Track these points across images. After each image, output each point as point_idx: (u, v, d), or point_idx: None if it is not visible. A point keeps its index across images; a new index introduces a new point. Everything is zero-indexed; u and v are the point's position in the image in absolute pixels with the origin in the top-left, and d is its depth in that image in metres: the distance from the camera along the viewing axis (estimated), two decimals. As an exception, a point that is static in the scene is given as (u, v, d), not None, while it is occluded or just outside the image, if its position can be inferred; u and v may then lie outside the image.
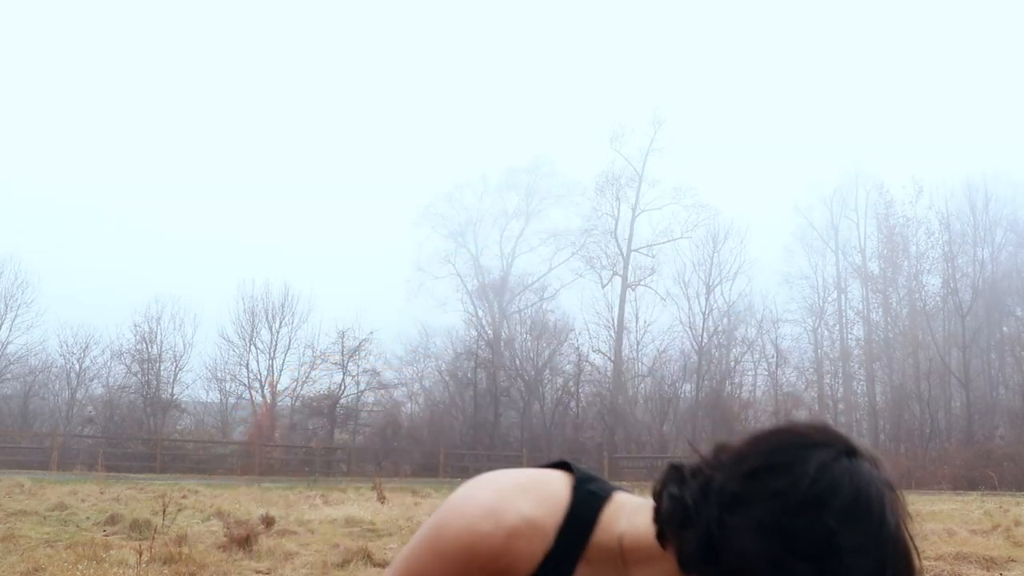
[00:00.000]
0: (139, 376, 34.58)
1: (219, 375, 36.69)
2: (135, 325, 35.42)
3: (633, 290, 44.26)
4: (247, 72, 73.32)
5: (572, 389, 39.13)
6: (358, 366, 37.25)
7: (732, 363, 40.65)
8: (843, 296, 45.07)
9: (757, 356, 41.12)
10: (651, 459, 33.72)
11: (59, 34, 65.47)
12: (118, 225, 62.75)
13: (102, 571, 5.90)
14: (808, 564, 0.85)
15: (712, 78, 69.86)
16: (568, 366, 40.25)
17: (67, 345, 34.84)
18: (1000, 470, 28.20)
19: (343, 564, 6.76)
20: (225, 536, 7.58)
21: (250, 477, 25.48)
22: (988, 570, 6.83)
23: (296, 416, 36.84)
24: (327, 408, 36.12)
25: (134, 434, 32.51)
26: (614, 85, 72.97)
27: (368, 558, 6.98)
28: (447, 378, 40.34)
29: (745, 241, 43.07)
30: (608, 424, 37.41)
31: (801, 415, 37.05)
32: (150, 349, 35.04)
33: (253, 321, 37.31)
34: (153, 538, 7.34)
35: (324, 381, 37.44)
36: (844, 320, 44.56)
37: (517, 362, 40.46)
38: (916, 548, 0.92)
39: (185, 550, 6.73)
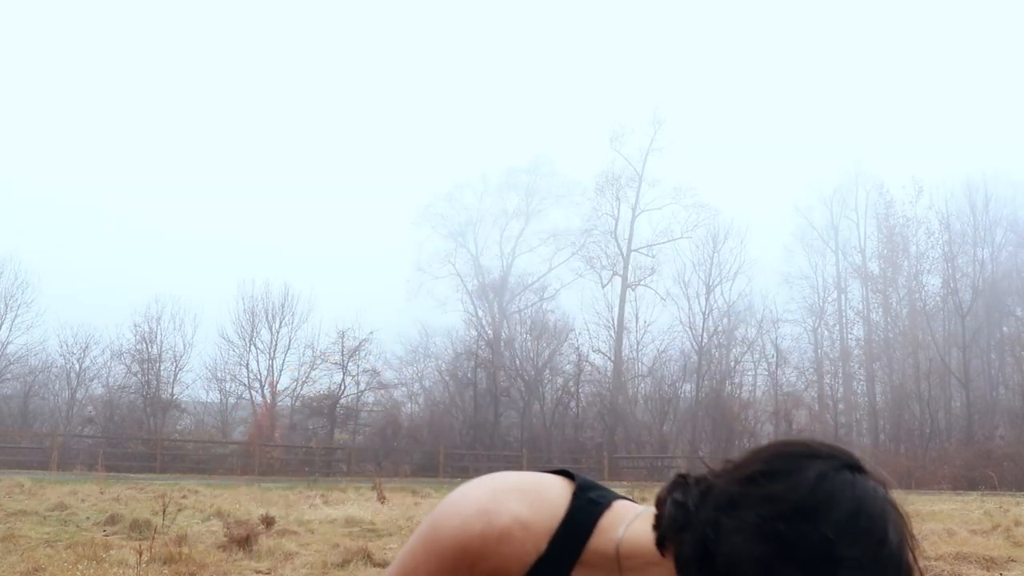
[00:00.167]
0: (139, 376, 34.58)
1: (219, 375, 36.74)
2: (135, 325, 35.46)
3: (633, 290, 44.29)
4: (247, 72, 73.36)
5: (572, 389, 39.13)
6: (358, 366, 37.28)
7: (732, 363, 40.65)
8: (843, 296, 45.11)
9: (757, 356, 41.15)
10: (651, 459, 33.74)
11: (59, 34, 65.49)
12: (118, 225, 62.83)
13: (102, 571, 5.90)
14: (800, 572, 0.84)
15: (712, 78, 69.91)
16: (568, 366, 40.28)
17: (67, 345, 34.88)
18: (1000, 470, 28.20)
19: (343, 564, 6.76)
20: (225, 536, 7.58)
21: (250, 477, 25.48)
22: (988, 570, 6.83)
23: (296, 416, 36.84)
24: (327, 408, 36.12)
25: (134, 434, 32.51)
26: (614, 85, 73.02)
27: (368, 558, 6.98)
28: (447, 378, 40.34)
29: (745, 241, 43.13)
30: (608, 424, 37.42)
31: (801, 415, 37.13)
32: (150, 349, 35.06)
33: (253, 321, 37.33)
34: (153, 538, 7.34)
35: (324, 381, 37.48)
36: (844, 320, 44.59)
37: (517, 362, 40.46)
38: (919, 572, 0.90)
39: (185, 550, 6.73)
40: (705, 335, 40.67)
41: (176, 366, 35.62)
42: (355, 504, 13.40)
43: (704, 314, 41.41)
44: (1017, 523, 10.83)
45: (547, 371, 39.89)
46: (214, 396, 36.90)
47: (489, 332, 43.30)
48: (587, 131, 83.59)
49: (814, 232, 45.69)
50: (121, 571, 5.99)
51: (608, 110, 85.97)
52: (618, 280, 44.71)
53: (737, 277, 42.50)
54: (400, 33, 73.34)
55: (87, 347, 35.06)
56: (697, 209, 44.65)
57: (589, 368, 40.48)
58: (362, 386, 37.55)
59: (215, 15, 70.01)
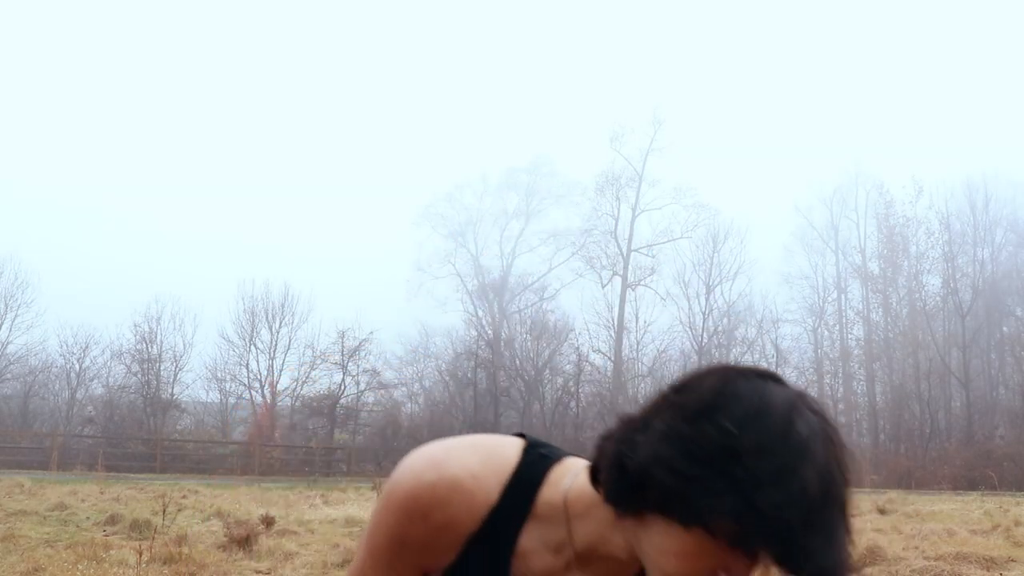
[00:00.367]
0: (139, 376, 34.59)
1: (219, 375, 36.76)
2: (135, 325, 35.48)
3: (633, 290, 44.29)
4: (247, 72, 73.37)
5: (572, 389, 39.14)
6: (358, 366, 37.29)
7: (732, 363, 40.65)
8: (843, 296, 45.11)
9: (757, 356, 41.12)
10: (651, 459, 33.76)
11: (59, 34, 65.50)
12: (118, 225, 62.81)
13: (102, 571, 5.90)
14: (706, 467, 0.85)
15: (712, 78, 69.90)
16: (568, 366, 40.28)
17: (67, 345, 34.90)
18: (1000, 470, 28.20)
19: (343, 564, 6.76)
20: (225, 536, 7.58)
21: (250, 477, 25.49)
22: (988, 570, 6.83)
23: (296, 416, 36.85)
24: (327, 408, 36.13)
25: (134, 434, 32.51)
26: (614, 85, 73.01)
27: (368, 558, 6.96)
28: (447, 378, 40.35)
29: (745, 241, 43.14)
30: (608, 424, 37.29)
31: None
32: (150, 349, 35.08)
33: (253, 321, 37.34)
34: (153, 538, 7.34)
35: (324, 381, 37.49)
36: (844, 320, 44.59)
37: (517, 362, 40.47)
38: (844, 473, 0.90)
39: (185, 550, 6.73)
40: (705, 335, 40.70)
41: (176, 366, 35.68)
42: (355, 504, 13.40)
43: (704, 314, 41.45)
44: (1017, 523, 10.83)
45: (547, 371, 39.89)
46: (214, 396, 36.96)
47: (489, 332, 43.31)
48: (587, 131, 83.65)
49: (814, 232, 45.73)
50: (121, 571, 5.99)
51: (608, 110, 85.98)
52: (618, 280, 44.73)
53: (737, 277, 42.56)
54: (400, 33, 73.38)
55: (87, 347, 35.12)
56: (697, 209, 44.69)
57: (589, 368, 40.51)
58: (362, 386, 37.59)
59: (215, 15, 70.04)
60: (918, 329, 41.57)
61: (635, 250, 45.11)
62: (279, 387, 37.05)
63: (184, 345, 36.06)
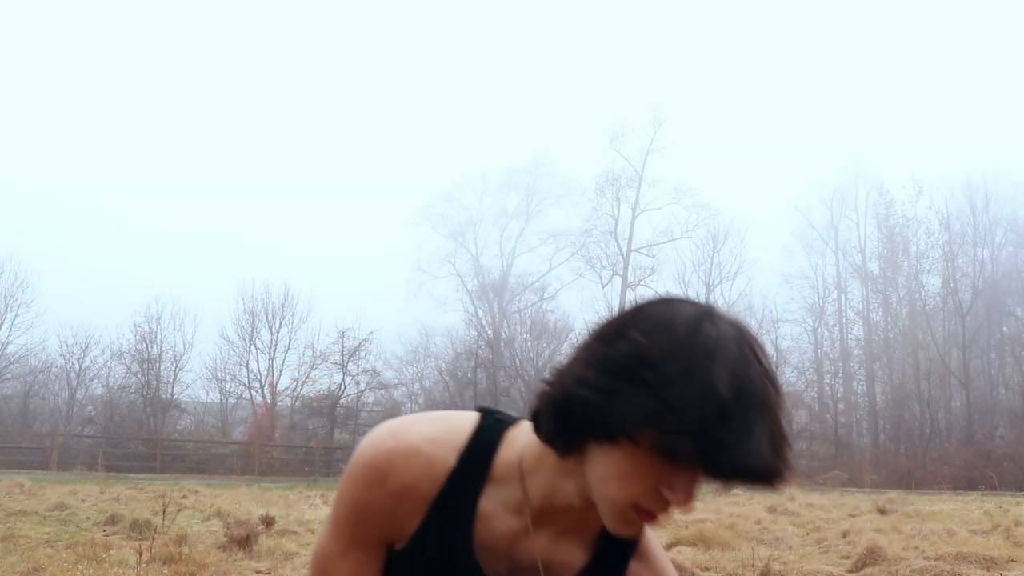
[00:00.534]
0: (139, 376, 34.59)
1: (219, 375, 36.76)
2: (135, 325, 35.48)
3: (633, 290, 44.26)
4: (247, 72, 73.37)
5: (572, 389, 39.11)
6: (358, 366, 37.30)
7: (732, 363, 40.64)
8: (843, 296, 45.11)
9: (757, 356, 41.12)
10: (651, 459, 33.76)
11: (59, 34, 65.50)
12: (118, 225, 62.78)
13: (102, 571, 5.90)
14: (620, 378, 0.89)
15: (712, 78, 69.88)
16: (568, 366, 40.26)
17: (67, 345, 34.90)
18: (1000, 470, 28.20)
19: None
20: (225, 536, 7.58)
21: (250, 477, 25.49)
22: (988, 570, 6.83)
23: (296, 416, 36.85)
24: (327, 408, 36.13)
25: (134, 434, 32.51)
26: (614, 85, 72.98)
27: (368, 558, 6.96)
28: (447, 378, 40.35)
29: (745, 241, 43.14)
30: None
31: (801, 415, 37.10)
32: (150, 349, 35.08)
33: (253, 321, 37.34)
34: (153, 538, 7.34)
35: (324, 381, 37.50)
36: (844, 320, 44.59)
37: (517, 362, 40.46)
38: (764, 375, 0.90)
39: (185, 550, 6.73)
40: (705, 335, 40.67)
41: (176, 366, 35.68)
42: (355, 504, 13.36)
43: (704, 314, 41.42)
44: (1017, 523, 10.83)
45: (547, 371, 39.83)
46: (214, 396, 36.96)
47: (489, 332, 43.31)
48: (587, 131, 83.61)
49: (814, 232, 45.73)
50: (121, 571, 5.99)
51: (608, 110, 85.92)
52: (618, 280, 44.73)
53: (737, 277, 42.57)
54: (400, 34, 73.37)
55: (87, 347, 35.13)
56: (697, 209, 44.69)
57: (589, 368, 40.48)
58: (362, 386, 37.60)
59: (215, 15, 70.05)
60: (918, 329, 41.57)
61: (635, 250, 45.13)
62: (279, 387, 37.09)
63: (184, 345, 36.12)
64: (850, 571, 6.97)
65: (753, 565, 6.67)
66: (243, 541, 7.27)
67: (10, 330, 33.93)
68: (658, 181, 45.77)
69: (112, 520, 9.38)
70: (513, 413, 1.18)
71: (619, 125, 63.47)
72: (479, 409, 1.14)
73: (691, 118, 76.20)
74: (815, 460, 34.43)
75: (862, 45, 68.44)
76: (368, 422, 37.27)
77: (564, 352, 39.23)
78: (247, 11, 72.32)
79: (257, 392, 36.83)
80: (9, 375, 33.60)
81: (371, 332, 37.79)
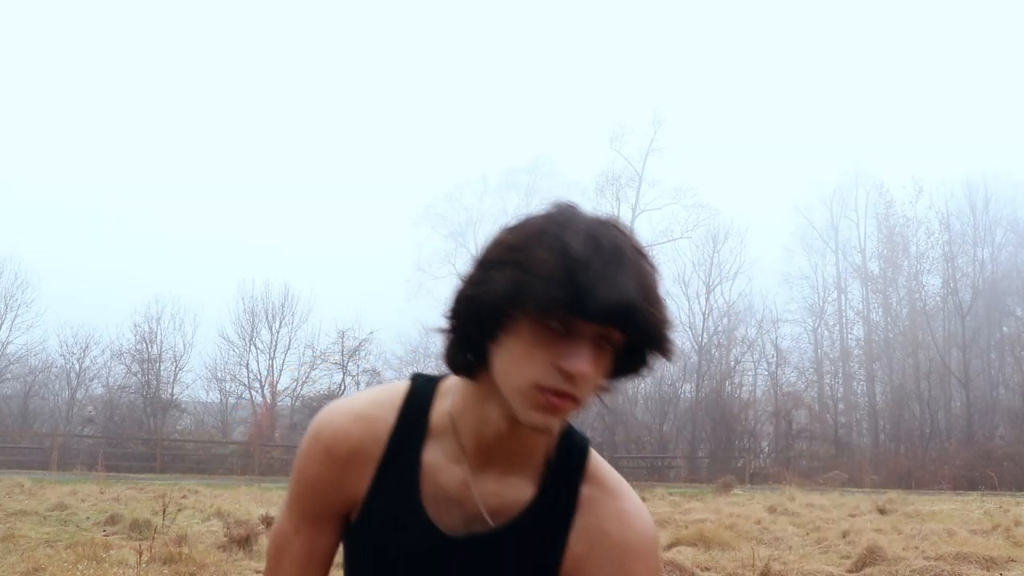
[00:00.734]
0: (139, 376, 34.57)
1: (219, 375, 36.70)
2: (135, 325, 35.44)
3: (633, 290, 44.23)
4: (247, 72, 73.37)
5: (572, 389, 39.13)
6: (358, 366, 37.27)
7: (732, 363, 40.62)
8: (843, 296, 45.08)
9: (757, 356, 41.12)
10: (651, 459, 33.72)
11: (59, 34, 65.50)
12: (118, 225, 62.68)
13: (102, 571, 5.89)
14: (493, 266, 0.98)
15: (712, 78, 69.87)
16: (568, 366, 40.28)
17: (67, 345, 34.86)
18: (1000, 470, 28.19)
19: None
20: (225, 536, 7.58)
21: (250, 477, 25.48)
22: (988, 570, 6.83)
23: (296, 416, 36.82)
24: (327, 408, 36.08)
25: (134, 434, 32.50)
26: (614, 85, 72.97)
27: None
28: (447, 378, 40.29)
29: (745, 241, 43.07)
30: (608, 424, 37.40)
31: (801, 415, 37.12)
32: (150, 349, 35.06)
33: (253, 321, 37.31)
34: (153, 538, 7.34)
35: (324, 381, 37.47)
36: (844, 320, 44.57)
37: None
38: (621, 239, 1.00)
39: (185, 550, 6.73)
40: (705, 335, 40.67)
41: (176, 366, 35.64)
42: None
43: (704, 314, 41.42)
44: (1017, 523, 10.83)
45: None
46: (214, 396, 36.92)
47: (489, 332, 43.30)
48: (587, 131, 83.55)
49: (814, 232, 45.71)
50: (121, 571, 5.99)
51: (608, 110, 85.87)
52: (618, 280, 44.69)
53: (737, 277, 42.50)
54: (400, 34, 73.37)
55: (87, 347, 35.09)
56: (697, 209, 44.64)
57: (589, 368, 40.49)
58: (362, 386, 37.56)
59: (215, 15, 70.05)
60: (918, 329, 41.56)
61: (635, 250, 45.08)
62: (279, 387, 37.06)
63: (184, 345, 36.08)
64: (850, 571, 6.97)
65: (753, 565, 6.67)
66: (243, 541, 7.27)
67: (10, 330, 33.96)
68: (658, 181, 45.76)
69: (112, 520, 9.38)
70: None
71: (619, 125, 63.43)
72: (412, 376, 1.19)
73: (691, 118, 76.19)
74: (815, 460, 34.43)
75: (862, 45, 68.46)
76: (368, 422, 37.29)
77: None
78: (247, 11, 72.35)
79: (257, 392, 36.85)
80: (9, 375, 33.58)
81: (371, 332, 37.80)
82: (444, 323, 1.05)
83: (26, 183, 59.36)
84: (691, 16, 70.49)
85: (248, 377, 36.62)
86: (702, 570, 6.77)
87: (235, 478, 24.15)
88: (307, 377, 37.35)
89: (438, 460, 1.10)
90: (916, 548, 7.82)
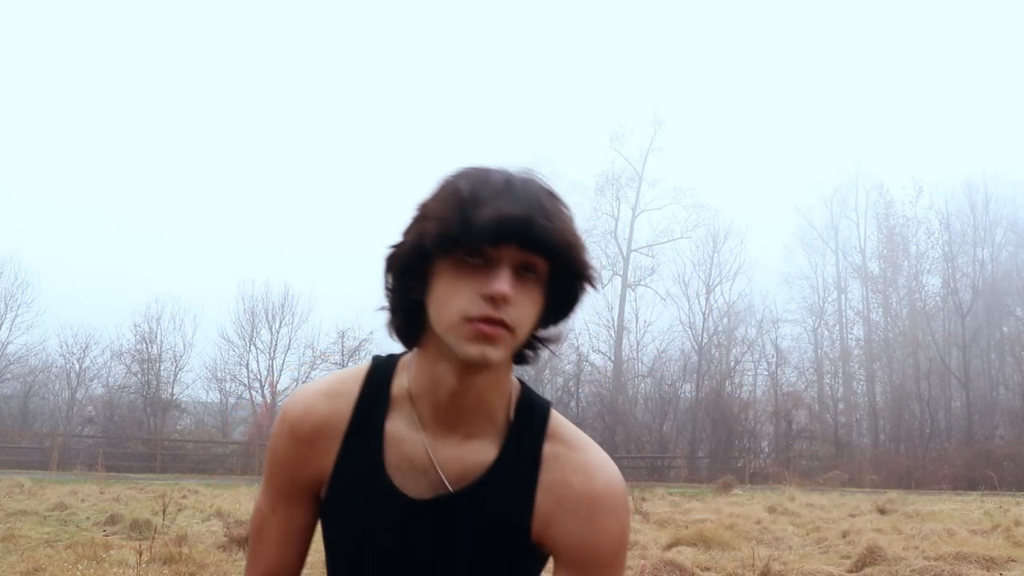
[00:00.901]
0: (139, 376, 34.57)
1: (219, 375, 36.69)
2: (135, 325, 35.44)
3: (633, 290, 44.27)
4: (247, 72, 73.35)
5: (572, 389, 39.13)
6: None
7: (732, 363, 40.61)
8: (843, 296, 45.07)
9: (757, 356, 41.11)
10: (651, 459, 33.71)
11: (59, 34, 65.49)
12: (118, 225, 62.66)
13: (102, 571, 5.90)
14: (409, 226, 1.07)
15: (712, 78, 69.85)
16: (568, 366, 40.22)
17: (67, 345, 34.86)
18: (1000, 470, 28.17)
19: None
20: (225, 536, 7.59)
21: (250, 477, 25.47)
22: (988, 570, 6.83)
23: (296, 416, 36.81)
24: (327, 408, 36.08)
25: (134, 434, 32.48)
26: (614, 85, 72.94)
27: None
28: (447, 378, 40.27)
29: (745, 241, 43.07)
30: (608, 424, 37.39)
31: (801, 415, 37.10)
32: (150, 349, 35.05)
33: (253, 321, 37.30)
34: (153, 538, 7.34)
35: (324, 381, 37.44)
36: (844, 320, 44.56)
37: (517, 362, 40.47)
38: (521, 177, 1.05)
39: (185, 550, 6.73)
40: (705, 335, 40.66)
41: (176, 366, 35.64)
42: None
43: (704, 314, 41.41)
44: (1017, 523, 10.83)
45: (547, 371, 39.88)
46: (214, 396, 36.91)
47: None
48: (587, 131, 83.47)
49: (814, 232, 45.70)
50: (121, 571, 5.99)
51: (608, 110, 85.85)
52: (618, 280, 44.71)
53: (737, 277, 42.50)
54: (400, 33, 73.35)
55: (87, 347, 35.09)
56: (697, 209, 44.65)
57: (589, 368, 40.48)
58: (362, 386, 37.53)
59: (215, 15, 70.04)
60: (918, 329, 41.55)
61: (635, 250, 45.11)
62: (279, 387, 37.00)
63: (184, 345, 36.08)
64: (850, 571, 6.97)
65: (753, 565, 6.67)
66: (243, 541, 7.26)
67: (10, 330, 33.96)
68: (658, 181, 45.77)
69: (112, 520, 9.38)
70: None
71: (619, 125, 63.40)
72: (374, 356, 1.25)
73: (691, 118, 76.17)
74: (815, 460, 34.42)
75: (862, 45, 68.45)
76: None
77: (564, 352, 39.07)
78: (248, 11, 72.35)
79: (257, 392, 36.84)
80: (9, 375, 33.57)
81: (371, 332, 37.71)
82: (383, 299, 1.12)
83: (26, 183, 59.38)
84: (691, 16, 70.51)
85: (248, 377, 36.65)
86: (702, 570, 6.77)
87: (235, 478, 24.15)
88: (307, 377, 37.29)
89: (400, 430, 1.13)
90: (916, 548, 7.82)
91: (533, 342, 1.12)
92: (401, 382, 1.15)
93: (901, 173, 56.28)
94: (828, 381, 42.65)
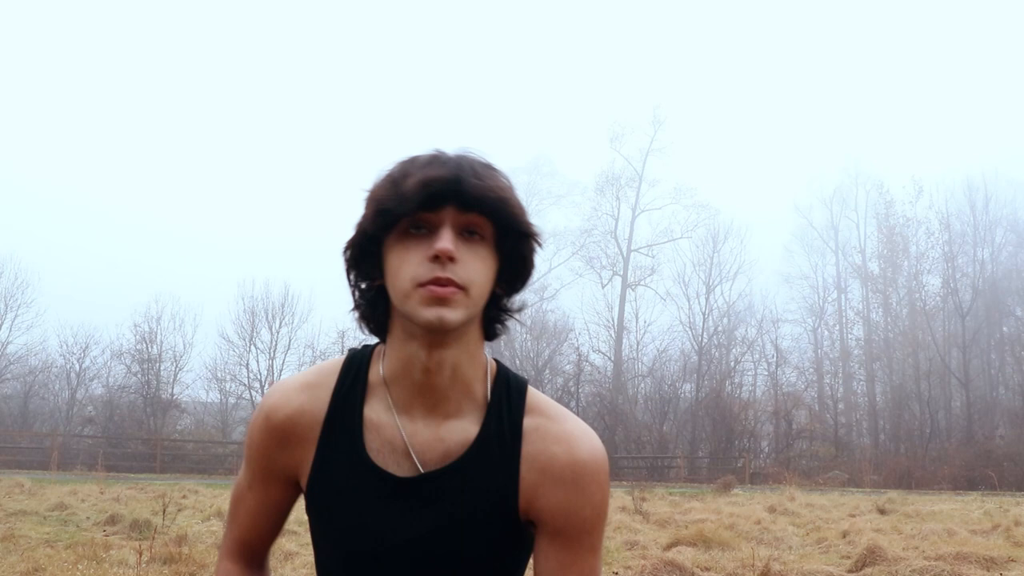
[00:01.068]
0: (139, 376, 34.57)
1: (219, 375, 36.71)
2: (135, 325, 35.46)
3: (633, 290, 44.28)
4: (247, 72, 73.35)
5: (572, 389, 39.12)
6: (358, 366, 37.25)
7: (732, 363, 40.63)
8: (843, 296, 45.10)
9: (757, 356, 41.12)
10: (651, 459, 33.70)
11: (60, 33, 65.52)
12: (118, 225, 62.74)
13: (102, 571, 5.90)
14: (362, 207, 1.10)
15: (712, 78, 69.87)
16: (568, 366, 40.24)
17: (67, 345, 34.87)
18: (1000, 470, 28.16)
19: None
20: (225, 536, 7.55)
21: (250, 477, 25.44)
22: (988, 570, 6.83)
23: (296, 416, 36.82)
24: (327, 408, 36.08)
25: (134, 434, 32.47)
26: (614, 85, 72.95)
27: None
28: (447, 378, 40.25)
29: (745, 241, 43.10)
30: (608, 424, 37.39)
31: (801, 415, 37.08)
32: (150, 349, 35.06)
33: (253, 321, 37.31)
34: (153, 538, 7.34)
35: (324, 381, 37.43)
36: (844, 320, 44.58)
37: (517, 362, 40.45)
38: (440, 157, 1.08)
39: (185, 550, 6.73)
40: (705, 335, 40.67)
41: (176, 366, 35.65)
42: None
43: (704, 314, 41.42)
44: (1017, 523, 10.83)
45: (547, 371, 39.88)
46: (214, 396, 36.92)
47: (489, 332, 43.31)
48: (587, 131, 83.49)
49: (814, 232, 45.74)
50: (121, 571, 5.99)
51: (608, 110, 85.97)
52: (618, 280, 44.72)
53: (737, 277, 42.53)
54: (399, 33, 73.37)
55: (87, 347, 35.09)
56: (697, 209, 44.70)
57: (589, 368, 40.48)
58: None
59: (215, 15, 70.05)
60: (918, 329, 41.55)
61: (635, 250, 45.12)
62: (279, 387, 37.03)
63: (184, 345, 36.10)
64: (850, 571, 6.97)
65: (753, 565, 6.68)
66: (243, 541, 7.25)
67: (10, 330, 33.96)
68: (658, 181, 45.83)
69: (112, 520, 9.38)
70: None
71: (619, 125, 63.44)
72: (350, 348, 1.26)
73: (691, 118, 76.24)
74: (815, 460, 34.40)
75: (862, 45, 68.47)
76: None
77: (564, 352, 39.11)
78: (248, 12, 72.35)
79: (257, 392, 36.82)
80: (9, 375, 33.57)
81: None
82: (351, 295, 1.15)
83: (27, 183, 59.40)
84: (691, 16, 70.53)
85: (248, 377, 36.65)
86: (702, 570, 6.77)
87: (235, 478, 24.05)
88: (307, 377, 37.33)
89: (379, 416, 1.14)
90: (916, 548, 7.82)
91: (499, 314, 1.15)
92: (377, 369, 1.17)
93: (901, 173, 56.25)
94: (828, 381, 42.67)
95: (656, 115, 48.28)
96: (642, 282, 44.11)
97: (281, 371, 37.10)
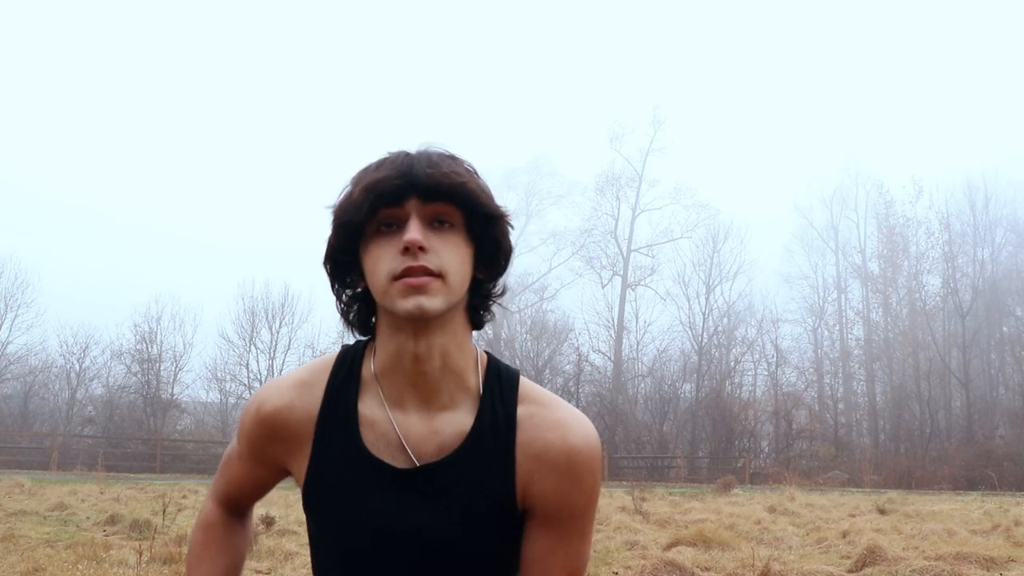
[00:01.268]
0: (139, 376, 34.57)
1: (219, 375, 36.71)
2: (135, 325, 35.47)
3: (633, 290, 44.28)
4: (247, 72, 73.34)
5: (572, 389, 39.13)
6: (358, 366, 37.26)
7: (732, 363, 40.63)
8: (843, 296, 45.10)
9: (757, 356, 41.13)
10: (651, 459, 33.70)
11: (60, 33, 65.52)
12: (118, 225, 62.75)
13: (102, 571, 5.90)
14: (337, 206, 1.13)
15: (712, 78, 69.88)
16: (568, 366, 40.24)
17: (67, 345, 34.88)
18: (1000, 470, 28.16)
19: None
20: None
21: (250, 477, 25.45)
22: (988, 570, 6.83)
23: (296, 416, 36.81)
24: (327, 408, 36.08)
25: (134, 434, 32.47)
26: (614, 85, 72.94)
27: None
28: (447, 378, 40.25)
29: (745, 241, 43.11)
30: (608, 424, 37.39)
31: (801, 415, 37.08)
32: (150, 349, 35.06)
33: (253, 321, 37.31)
34: (153, 538, 7.35)
35: (324, 381, 37.43)
36: (844, 320, 44.58)
37: (517, 362, 40.46)
38: (407, 157, 1.10)
39: (185, 550, 6.71)
40: (705, 335, 40.66)
41: (176, 366, 35.65)
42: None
43: (704, 314, 41.42)
44: (1017, 523, 10.83)
45: (547, 371, 39.88)
46: (214, 396, 36.91)
47: (489, 332, 43.31)
48: (587, 131, 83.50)
49: (814, 232, 45.75)
50: (121, 571, 6.00)
51: (608, 110, 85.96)
52: (618, 280, 44.73)
53: (737, 277, 42.54)
54: (399, 34, 73.37)
55: (87, 347, 35.10)
56: (697, 209, 44.72)
57: (589, 368, 40.48)
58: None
59: (215, 15, 70.05)
60: (918, 329, 41.55)
61: (635, 250, 45.13)
62: (279, 387, 37.03)
63: (184, 345, 36.10)
64: (850, 571, 6.97)
65: (753, 565, 6.68)
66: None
67: (10, 330, 33.97)
68: (658, 181, 45.86)
69: (112, 520, 9.39)
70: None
71: (619, 125, 63.62)
72: (343, 345, 1.27)
73: (691, 118, 76.25)
74: (815, 460, 34.39)
75: (862, 45, 68.46)
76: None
77: (564, 352, 39.01)
78: (248, 12, 72.35)
79: (257, 392, 36.86)
80: (9, 375, 33.57)
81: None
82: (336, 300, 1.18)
83: (27, 183, 59.41)
84: (691, 16, 70.52)
85: (248, 377, 36.64)
86: (702, 570, 6.77)
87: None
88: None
89: (373, 411, 1.15)
90: (916, 548, 7.82)
91: (483, 301, 1.17)
92: (369, 365, 1.18)
93: (901, 173, 56.28)
94: (828, 381, 42.68)
95: (656, 115, 48.40)
96: (642, 282, 44.14)
97: (281, 371, 37.12)
